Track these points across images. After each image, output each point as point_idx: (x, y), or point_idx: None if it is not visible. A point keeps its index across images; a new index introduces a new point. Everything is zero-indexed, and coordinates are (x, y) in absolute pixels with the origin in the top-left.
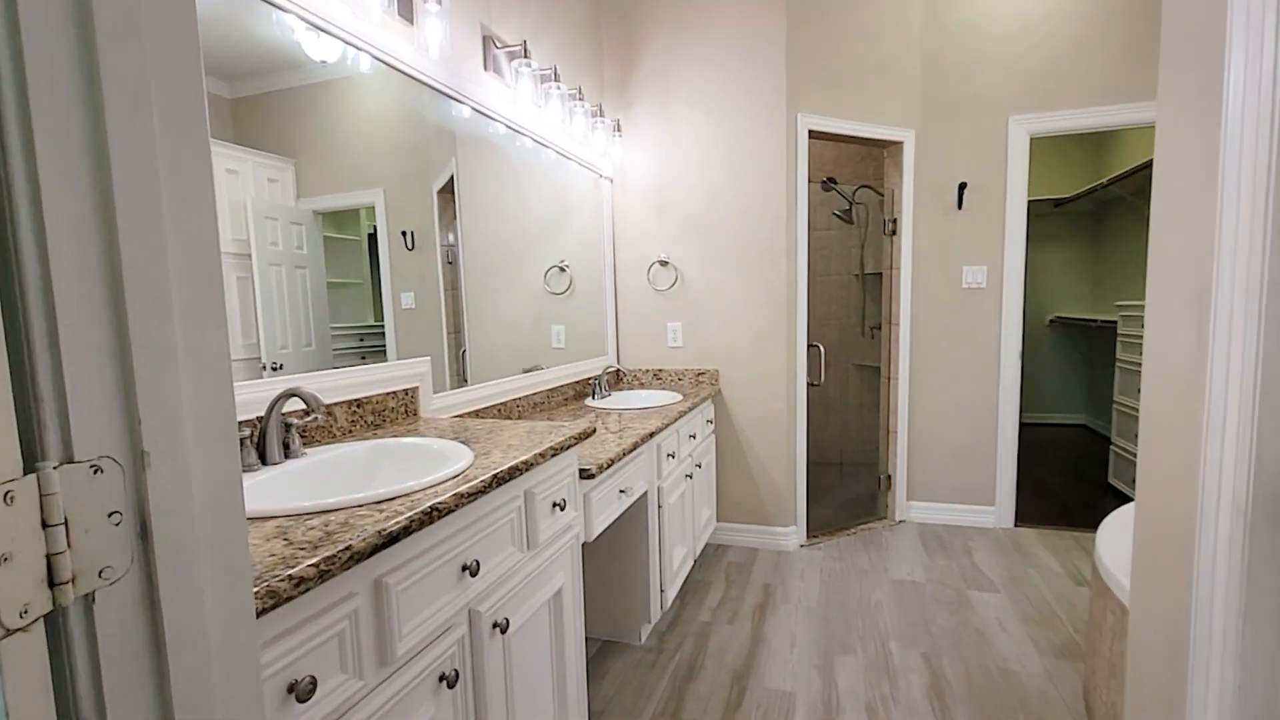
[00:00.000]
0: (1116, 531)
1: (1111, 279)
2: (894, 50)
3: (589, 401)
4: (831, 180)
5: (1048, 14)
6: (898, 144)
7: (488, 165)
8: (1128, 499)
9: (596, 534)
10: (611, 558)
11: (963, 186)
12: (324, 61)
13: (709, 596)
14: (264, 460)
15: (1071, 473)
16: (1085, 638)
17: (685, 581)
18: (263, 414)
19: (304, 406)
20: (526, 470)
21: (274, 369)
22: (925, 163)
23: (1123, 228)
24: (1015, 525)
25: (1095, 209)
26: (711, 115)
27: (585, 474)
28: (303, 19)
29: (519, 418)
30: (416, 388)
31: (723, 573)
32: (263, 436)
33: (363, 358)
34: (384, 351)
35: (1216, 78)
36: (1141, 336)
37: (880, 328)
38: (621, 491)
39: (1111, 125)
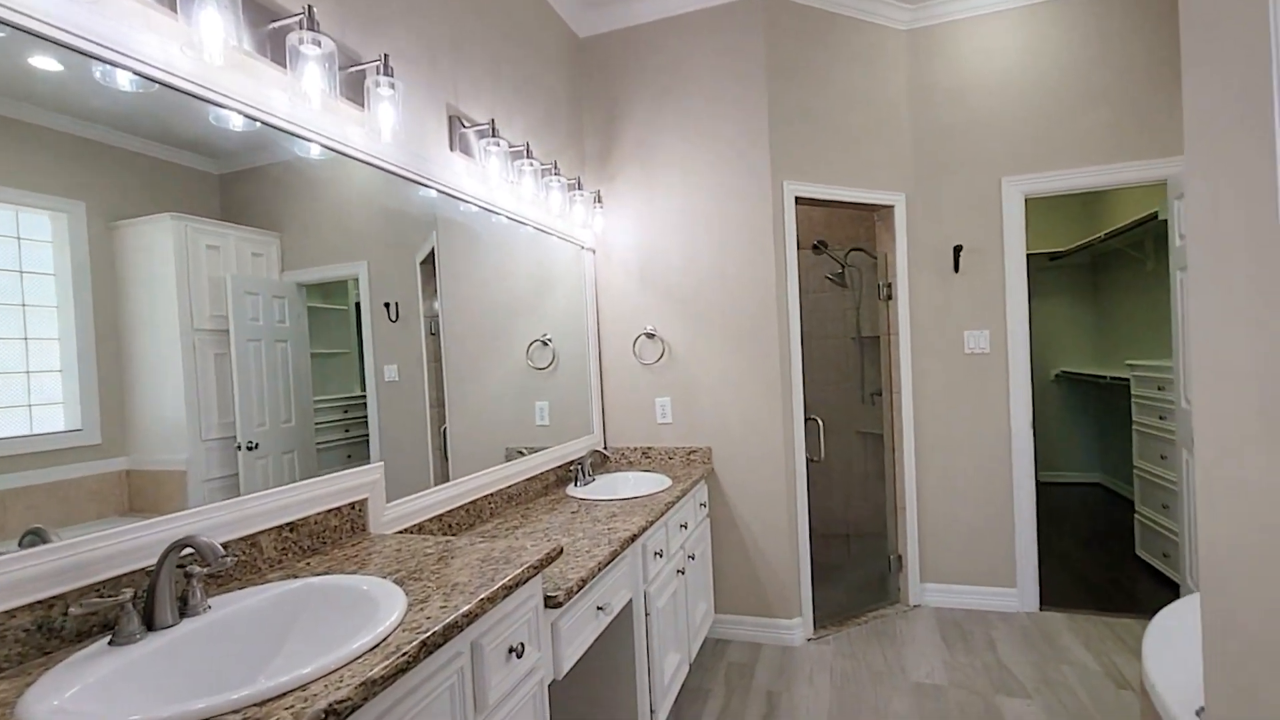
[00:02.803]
0: (1166, 646)
1: (1115, 332)
2: (880, 115)
3: (571, 490)
4: (823, 243)
5: (1037, 78)
6: (889, 208)
7: (465, 241)
8: (1158, 573)
9: (568, 668)
10: (591, 679)
11: (958, 249)
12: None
13: (706, 710)
14: (151, 625)
15: (1095, 543)
16: None
17: (680, 691)
18: (155, 564)
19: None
20: (471, 622)
21: (250, 448)
22: (918, 226)
23: (1121, 280)
24: (1040, 609)
25: (1092, 261)
26: (695, 184)
27: (552, 602)
28: (241, 112)
29: (491, 516)
30: (365, 500)
31: (722, 676)
32: (151, 594)
33: (346, 430)
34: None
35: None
36: (1156, 398)
37: (880, 394)
38: (600, 609)
39: (1105, 185)
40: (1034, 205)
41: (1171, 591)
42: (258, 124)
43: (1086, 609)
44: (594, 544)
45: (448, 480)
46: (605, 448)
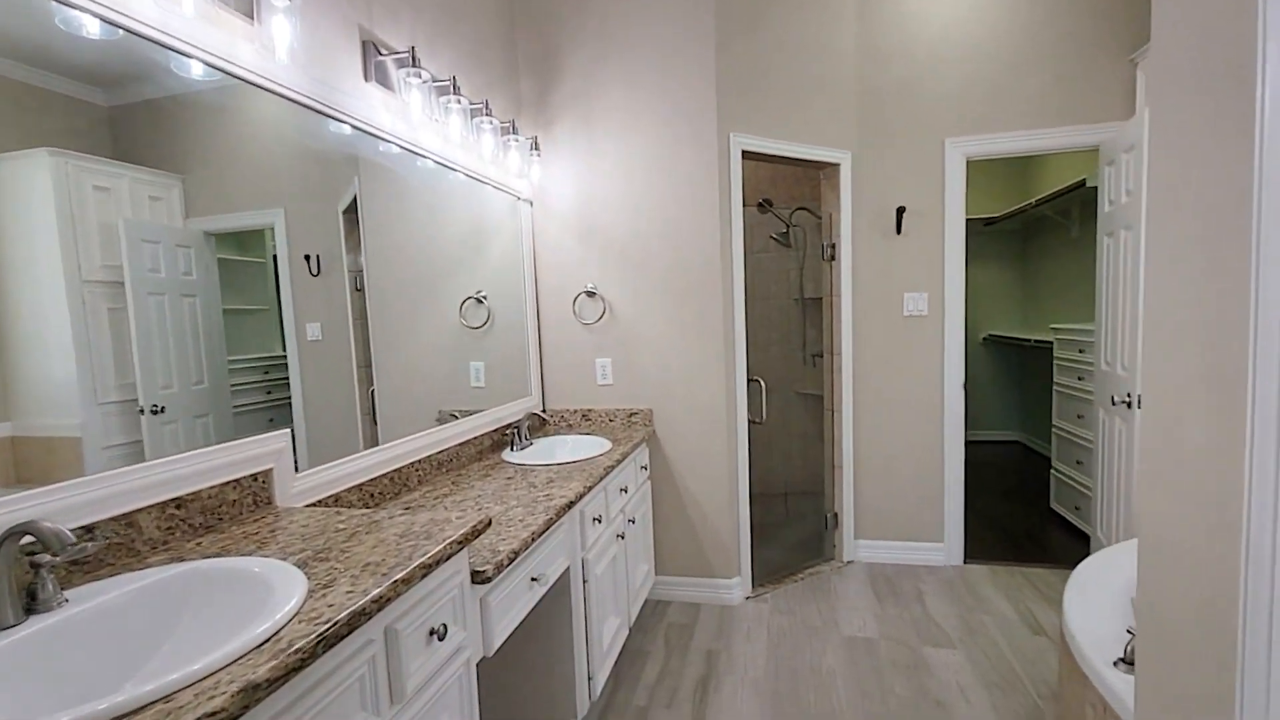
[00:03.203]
0: (1084, 599)
1: (1040, 296)
2: (828, 71)
3: (507, 454)
4: (767, 202)
5: (981, 38)
6: (834, 166)
7: (390, 188)
8: (1070, 525)
9: (500, 643)
10: (527, 647)
11: (901, 210)
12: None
13: (646, 670)
14: None
15: (1014, 497)
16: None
17: (620, 654)
18: None
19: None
20: (383, 607)
21: (155, 412)
22: (863, 185)
23: (1048, 246)
24: (965, 562)
25: (1023, 228)
26: (638, 134)
27: (480, 577)
28: (92, 12)
29: (419, 484)
30: (270, 470)
31: (662, 637)
32: None
33: (269, 392)
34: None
35: (1245, 103)
36: (1077, 360)
37: (821, 355)
38: (534, 580)
39: (1043, 149)
40: (971, 171)
41: (1082, 542)
42: (119, 31)
43: (1007, 560)
44: (529, 512)
45: (377, 445)
46: (544, 410)
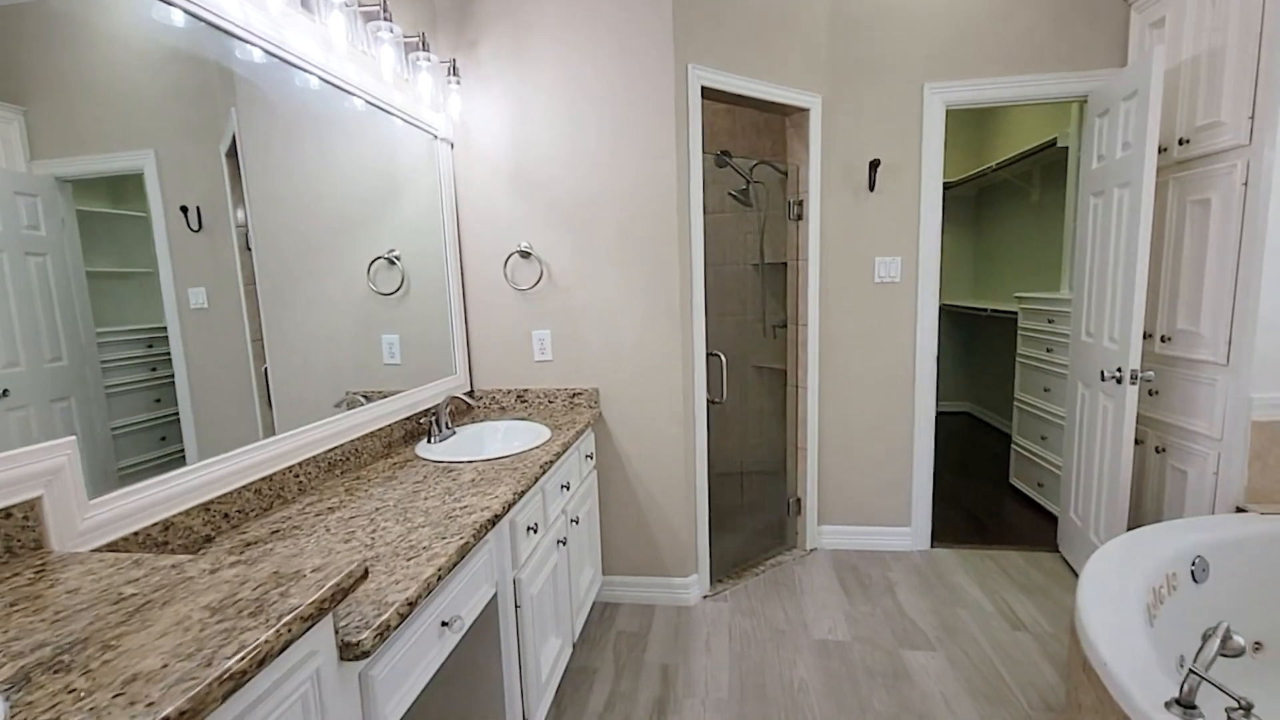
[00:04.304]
0: (1109, 613)
1: (996, 265)
2: (797, 0)
3: (422, 448)
4: (726, 154)
5: None
6: (803, 111)
7: (274, 121)
8: (1033, 502)
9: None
10: (443, 694)
11: (875, 164)
12: None
13: (594, 695)
14: None
15: (971, 471)
16: None
17: (565, 672)
18: None
19: None
20: None
21: None
22: (834, 135)
23: (1005, 212)
24: (932, 546)
25: (977, 194)
26: (580, 59)
27: (354, 651)
28: None
29: (300, 494)
30: (37, 500)
31: (611, 650)
32: None
33: (153, 369)
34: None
35: None
36: (1046, 331)
37: (785, 326)
38: (445, 625)
39: (1032, 98)
40: None
41: (1048, 521)
42: None
43: (973, 543)
44: (439, 535)
45: (275, 434)
46: (471, 392)
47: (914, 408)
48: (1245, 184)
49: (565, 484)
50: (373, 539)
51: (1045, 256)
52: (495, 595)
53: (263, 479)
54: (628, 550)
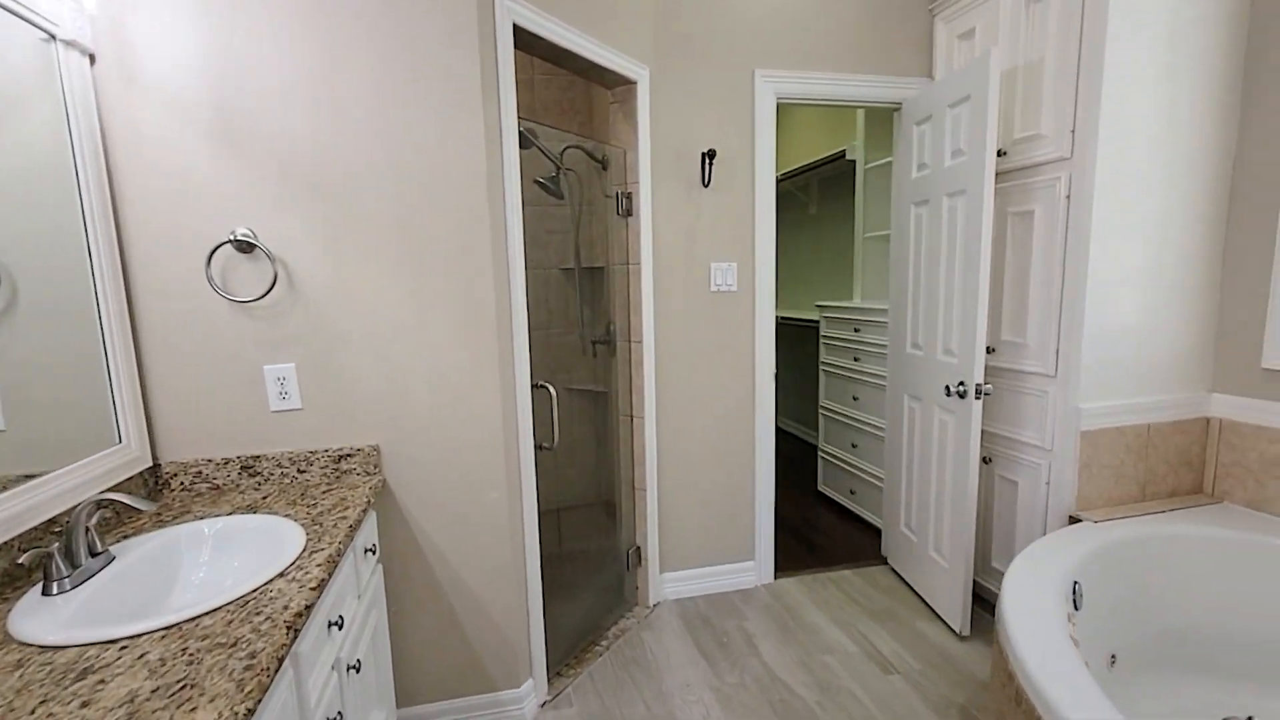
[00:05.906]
0: (1051, 665)
1: (781, 275)
2: None
3: (24, 611)
4: (531, 133)
5: None
6: (630, 85)
7: None
8: (845, 510)
9: None
10: None
11: (710, 155)
12: None
13: None
14: None
15: (780, 480)
16: None
17: None
18: None
19: None
20: None
21: None
22: (663, 118)
23: (789, 222)
24: (775, 577)
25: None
26: None
27: None
28: None
29: None
30: None
31: None
32: None
33: None
34: None
35: None
36: (853, 340)
37: (606, 342)
38: None
39: (855, 99)
40: None
41: (871, 534)
42: None
43: (810, 567)
44: None
45: None
46: (155, 470)
47: (755, 428)
48: (1068, 196)
49: (337, 620)
50: None
51: (834, 267)
52: None
53: None
54: (433, 668)
